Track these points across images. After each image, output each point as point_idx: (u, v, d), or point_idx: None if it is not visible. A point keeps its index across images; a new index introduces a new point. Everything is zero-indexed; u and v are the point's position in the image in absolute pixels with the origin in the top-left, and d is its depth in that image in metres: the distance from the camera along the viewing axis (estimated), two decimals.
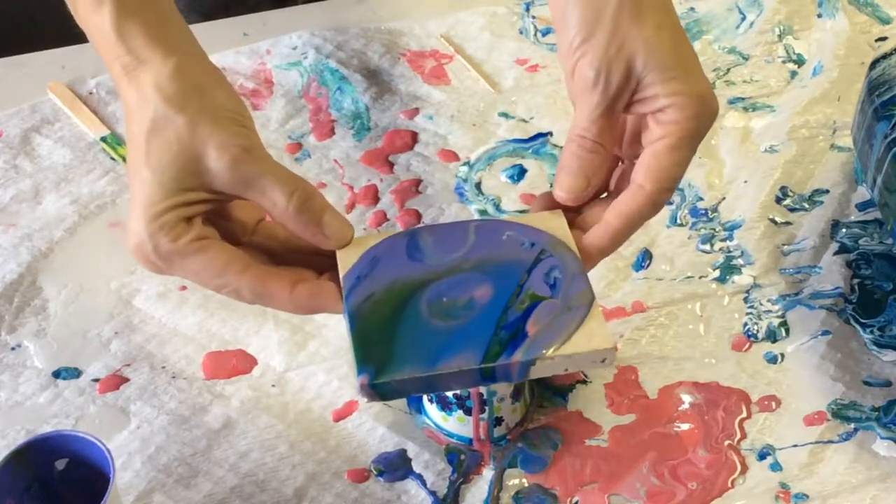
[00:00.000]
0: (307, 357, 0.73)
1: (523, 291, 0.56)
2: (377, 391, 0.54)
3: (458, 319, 0.55)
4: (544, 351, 0.54)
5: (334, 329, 0.74)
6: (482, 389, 0.65)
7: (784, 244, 0.79)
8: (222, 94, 0.56)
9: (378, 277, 0.57)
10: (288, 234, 0.58)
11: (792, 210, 0.81)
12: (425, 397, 0.69)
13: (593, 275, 0.61)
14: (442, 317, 0.55)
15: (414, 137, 0.88)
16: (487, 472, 0.67)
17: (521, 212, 0.81)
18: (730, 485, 0.66)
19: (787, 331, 0.74)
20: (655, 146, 0.58)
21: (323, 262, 0.59)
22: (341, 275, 0.57)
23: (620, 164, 0.63)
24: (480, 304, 0.56)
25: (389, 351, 0.54)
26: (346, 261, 0.57)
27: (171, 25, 0.58)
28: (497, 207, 0.82)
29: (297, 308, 0.57)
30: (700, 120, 0.58)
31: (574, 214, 0.61)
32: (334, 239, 0.57)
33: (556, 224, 0.60)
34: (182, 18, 0.60)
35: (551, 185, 0.83)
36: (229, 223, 0.59)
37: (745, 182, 0.83)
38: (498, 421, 0.67)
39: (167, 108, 0.54)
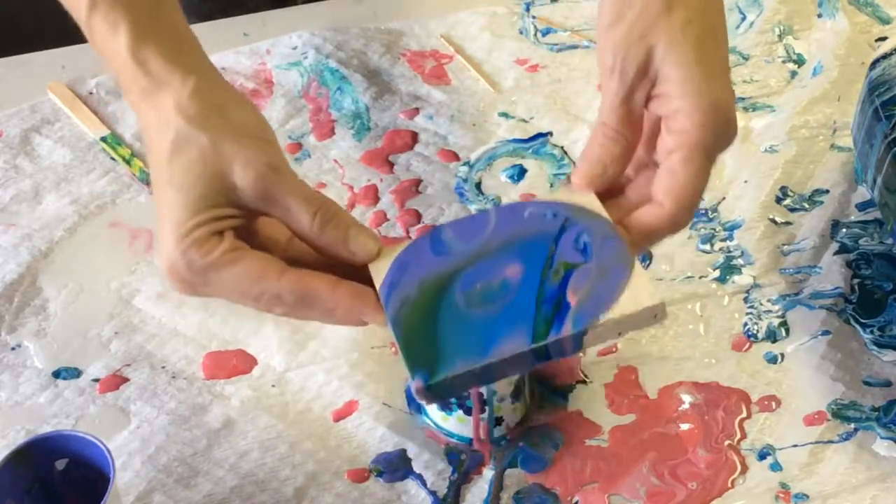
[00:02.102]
0: (307, 357, 0.73)
1: (555, 262, 0.55)
2: (434, 392, 0.53)
3: (496, 303, 0.54)
4: (594, 319, 0.53)
5: (334, 329, 0.74)
6: (482, 389, 0.65)
7: (784, 244, 0.79)
8: (244, 113, 0.56)
9: (408, 281, 0.56)
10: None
11: (792, 210, 0.81)
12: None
13: None
14: (480, 304, 0.55)
15: (414, 137, 0.88)
16: (487, 472, 0.67)
17: None
18: (730, 485, 0.66)
19: (787, 331, 0.74)
20: (670, 161, 0.56)
21: (356, 276, 0.57)
22: (377, 286, 0.56)
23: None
24: (515, 283, 0.55)
25: (437, 350, 0.53)
26: (378, 273, 0.57)
27: (187, 47, 0.58)
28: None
29: (340, 308, 0.55)
30: (709, 130, 0.55)
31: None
32: (360, 255, 0.56)
33: (584, 199, 0.58)
34: (196, 39, 0.60)
35: (552, 186, 0.83)
36: (260, 239, 0.57)
37: (745, 182, 0.83)
38: (498, 421, 0.67)
39: (189, 127, 0.54)
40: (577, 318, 0.53)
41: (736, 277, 0.77)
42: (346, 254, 0.56)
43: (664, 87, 0.56)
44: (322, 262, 0.58)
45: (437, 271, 0.56)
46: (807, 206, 0.82)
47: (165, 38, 0.57)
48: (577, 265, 0.55)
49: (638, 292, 0.54)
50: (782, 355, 0.73)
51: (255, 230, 0.58)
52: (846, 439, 0.68)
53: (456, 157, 0.86)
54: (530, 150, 0.86)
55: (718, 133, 0.56)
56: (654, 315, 0.54)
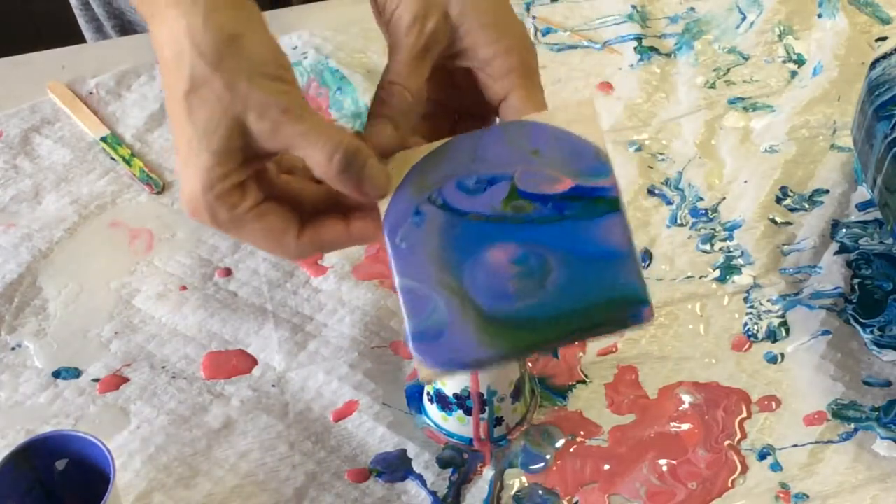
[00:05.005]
0: (307, 357, 0.73)
1: (496, 212, 0.54)
2: None
3: (549, 267, 0.53)
4: (593, 158, 0.54)
5: (334, 329, 0.74)
6: (482, 389, 0.65)
7: (784, 244, 0.79)
8: (256, 44, 0.54)
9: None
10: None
11: (792, 210, 0.81)
12: (425, 397, 0.69)
13: None
14: (538, 284, 0.53)
15: None
16: (487, 472, 0.67)
17: None
18: (730, 485, 0.66)
19: (787, 331, 0.74)
20: (511, 101, 0.58)
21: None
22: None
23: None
24: (522, 249, 0.54)
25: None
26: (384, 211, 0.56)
27: None
28: None
29: (357, 243, 0.58)
30: (529, 63, 0.59)
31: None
32: (372, 194, 0.56)
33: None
34: None
35: None
36: (282, 170, 0.59)
37: (745, 182, 0.83)
38: (498, 421, 0.67)
39: (204, 65, 0.53)
40: (588, 173, 0.54)
41: (736, 277, 0.77)
42: (360, 195, 0.56)
43: (468, 41, 0.59)
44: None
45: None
46: (807, 206, 0.82)
47: None
48: (511, 178, 0.55)
49: (575, 116, 0.55)
50: (782, 355, 0.73)
51: (276, 163, 0.58)
52: (846, 439, 0.68)
53: None
54: None
55: (534, 58, 0.60)
56: (593, 108, 0.55)
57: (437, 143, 0.56)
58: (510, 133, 0.56)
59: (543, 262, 0.53)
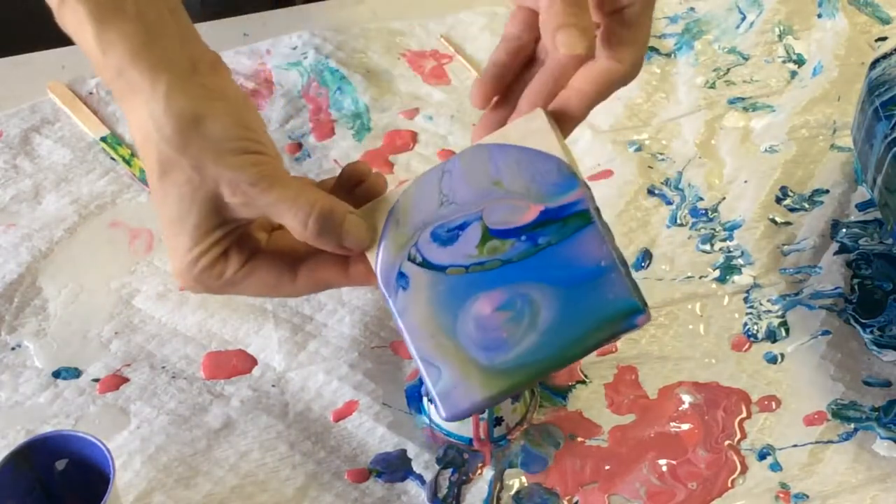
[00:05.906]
0: (307, 357, 0.73)
1: (471, 265, 0.54)
2: None
3: (531, 307, 0.53)
4: (565, 172, 0.54)
5: (334, 329, 0.74)
6: None
7: (784, 244, 0.79)
8: (218, 122, 0.53)
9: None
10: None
11: (792, 210, 0.82)
12: (425, 397, 0.69)
13: None
14: (529, 320, 0.53)
15: (414, 137, 0.88)
16: (487, 472, 0.67)
17: None
18: (730, 485, 0.66)
19: (787, 331, 0.74)
20: (625, 14, 0.57)
21: None
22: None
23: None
24: (513, 293, 0.54)
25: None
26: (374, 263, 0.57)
27: (155, 36, 0.54)
28: None
29: (354, 285, 0.58)
30: None
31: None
32: (355, 249, 0.56)
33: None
34: (169, 20, 0.55)
35: None
36: (266, 228, 0.59)
37: (745, 182, 0.83)
38: (498, 421, 0.67)
39: (170, 150, 0.53)
40: (553, 192, 0.54)
41: (736, 277, 0.77)
42: (342, 251, 0.56)
43: None
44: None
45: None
46: (807, 206, 0.82)
47: (131, 29, 0.53)
48: (480, 218, 0.55)
49: (527, 132, 0.55)
50: (782, 355, 0.73)
51: (259, 224, 0.58)
52: (846, 439, 0.68)
53: None
54: None
55: None
56: (543, 119, 0.55)
57: (404, 187, 0.56)
58: (470, 163, 0.56)
59: (530, 301, 0.53)
